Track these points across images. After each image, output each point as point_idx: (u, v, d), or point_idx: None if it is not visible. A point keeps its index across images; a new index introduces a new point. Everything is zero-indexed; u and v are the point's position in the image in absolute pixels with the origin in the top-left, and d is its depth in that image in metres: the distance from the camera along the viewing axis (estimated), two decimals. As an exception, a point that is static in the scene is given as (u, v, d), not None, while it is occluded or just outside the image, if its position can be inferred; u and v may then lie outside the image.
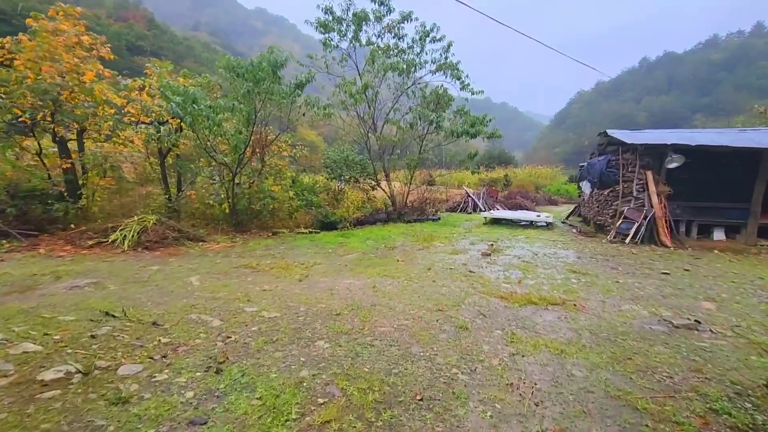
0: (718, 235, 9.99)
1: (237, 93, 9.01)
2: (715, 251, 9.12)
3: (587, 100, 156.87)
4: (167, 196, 9.91)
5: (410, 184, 14.11)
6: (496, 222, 13.57)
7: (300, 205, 11.82)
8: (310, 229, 10.94)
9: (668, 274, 6.91)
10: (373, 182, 13.81)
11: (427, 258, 7.88)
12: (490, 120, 13.26)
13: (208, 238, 9.00)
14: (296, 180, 13.11)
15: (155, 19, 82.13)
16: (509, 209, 19.16)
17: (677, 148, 9.23)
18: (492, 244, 9.33)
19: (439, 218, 14.62)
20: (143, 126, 8.82)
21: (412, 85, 13.90)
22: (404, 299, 5.14)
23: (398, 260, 7.63)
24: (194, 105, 7.41)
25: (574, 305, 5.14)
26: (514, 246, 9.30)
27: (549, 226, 12.76)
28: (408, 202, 14.58)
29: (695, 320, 4.74)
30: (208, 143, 9.20)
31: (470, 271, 6.80)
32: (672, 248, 9.21)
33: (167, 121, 9.42)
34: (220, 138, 9.23)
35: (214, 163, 9.84)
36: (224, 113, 8.23)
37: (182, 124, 8.82)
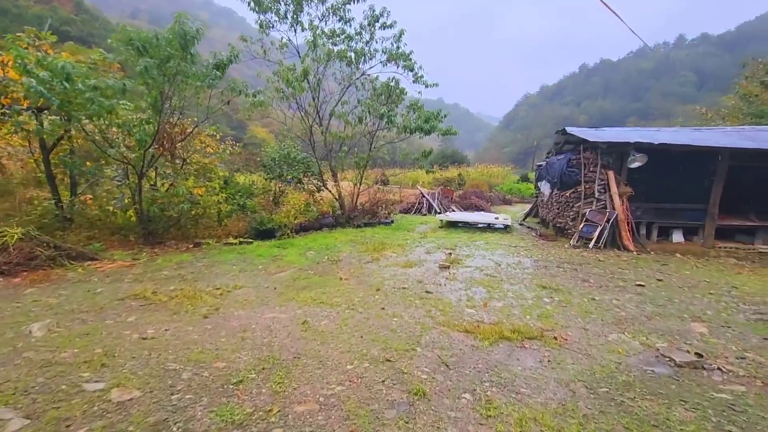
0: (677, 237, 9.67)
1: (144, 74, 7.25)
2: (677, 255, 8.72)
3: (532, 103, 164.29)
4: (56, 201, 7.90)
5: (360, 184, 12.84)
6: (453, 225, 12.67)
7: (231, 210, 10.16)
8: (242, 239, 9.34)
9: (643, 286, 6.19)
10: (319, 183, 12.40)
11: (377, 274, 6.65)
12: (445, 116, 12.32)
13: (103, 255, 7.17)
14: (229, 181, 11.39)
15: (84, 2, 74.37)
16: (465, 210, 18.49)
17: (639, 147, 8.71)
18: (450, 253, 8.30)
19: (393, 221, 13.51)
20: (11, 111, 6.79)
21: (361, 76, 12.65)
22: (342, 342, 3.86)
23: (341, 278, 6.33)
24: (66, 83, 5.62)
25: (555, 338, 4.13)
26: (474, 254, 8.33)
27: (507, 228, 12.04)
28: (358, 204, 13.31)
29: (696, 353, 3.89)
30: (105, 135, 7.36)
31: (427, 292, 5.65)
32: (635, 252, 8.69)
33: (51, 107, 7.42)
34: (117, 129, 7.39)
35: (115, 160, 7.96)
36: (118, 96, 6.47)
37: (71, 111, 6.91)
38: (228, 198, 10.30)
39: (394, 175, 24.04)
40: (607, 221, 9.00)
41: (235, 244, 8.80)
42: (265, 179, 11.73)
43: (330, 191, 12.40)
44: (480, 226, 12.48)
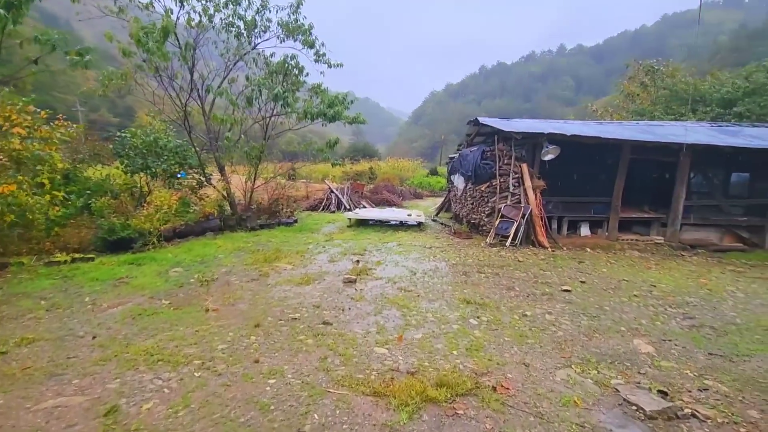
0: (584, 230, 9.65)
1: None
2: (588, 249, 8.56)
3: (438, 100, 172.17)
4: None
5: (254, 179, 10.86)
6: (363, 223, 11.42)
7: (66, 215, 7.54)
8: (83, 254, 6.89)
9: (569, 291, 5.54)
10: (201, 177, 10.14)
11: (261, 297, 5.03)
12: (351, 102, 10.94)
13: None
14: (72, 175, 8.59)
15: None
16: (376, 205, 17.44)
17: (552, 139, 8.32)
18: (358, 261, 6.98)
19: (296, 221, 11.80)
20: None
21: (253, 50, 10.62)
22: (165, 453, 2.25)
23: (208, 310, 4.58)
24: None
25: (494, 389, 3.02)
26: (386, 260, 7.13)
27: (421, 226, 11.16)
28: (254, 202, 11.33)
29: (659, 391, 3.10)
30: None
31: (325, 323, 4.23)
32: (550, 249, 8.31)
33: None
34: None
35: None
36: None
37: None
38: (64, 199, 7.64)
39: (305, 167, 22.12)
40: (523, 217, 8.51)
41: (64, 262, 6.36)
42: (124, 172, 9.12)
43: (215, 187, 10.22)
44: (392, 223, 11.43)
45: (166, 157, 9.00)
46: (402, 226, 11.24)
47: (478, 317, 4.51)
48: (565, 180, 10.16)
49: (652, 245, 9.06)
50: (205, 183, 10.20)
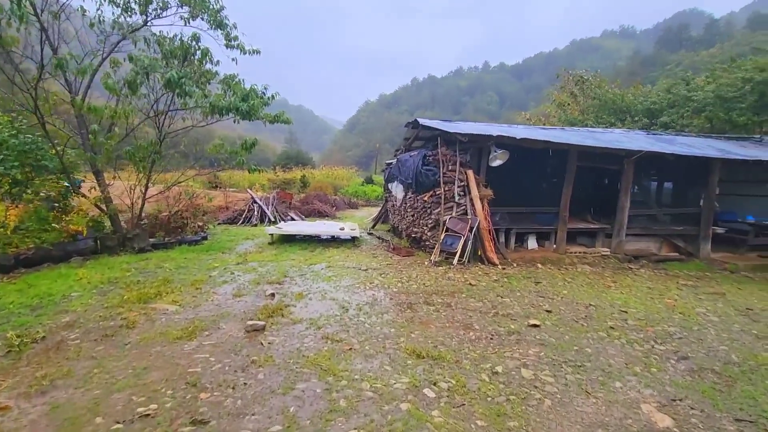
0: (532, 243, 8.92)
1: None
2: (538, 264, 7.76)
3: (372, 109, 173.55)
4: None
5: (146, 187, 8.66)
6: (289, 239, 9.72)
7: None
8: None
9: (538, 326, 4.46)
10: (65, 184, 7.73)
11: (103, 373, 3.22)
12: (273, 97, 9.23)
13: None
14: None
15: None
16: (306, 217, 15.74)
17: (501, 143, 7.42)
18: (273, 294, 5.35)
19: (206, 237, 9.74)
20: None
21: (142, 27, 8.51)
22: None
23: (4, 408, 2.69)
24: None
25: None
26: (311, 290, 5.58)
27: (355, 241, 9.74)
28: (149, 215, 9.10)
29: None
30: None
31: (197, 421, 2.59)
32: (501, 267, 7.35)
33: None
34: None
35: None
36: None
37: None
38: None
39: (234, 175, 19.65)
40: (470, 230, 7.47)
41: None
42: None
43: (87, 197, 7.88)
44: (324, 238, 9.88)
45: (2, 158, 6.57)
46: (334, 241, 9.73)
47: (434, 383, 3.17)
48: (510, 189, 9.42)
49: (599, 257, 8.55)
50: (73, 192, 7.81)
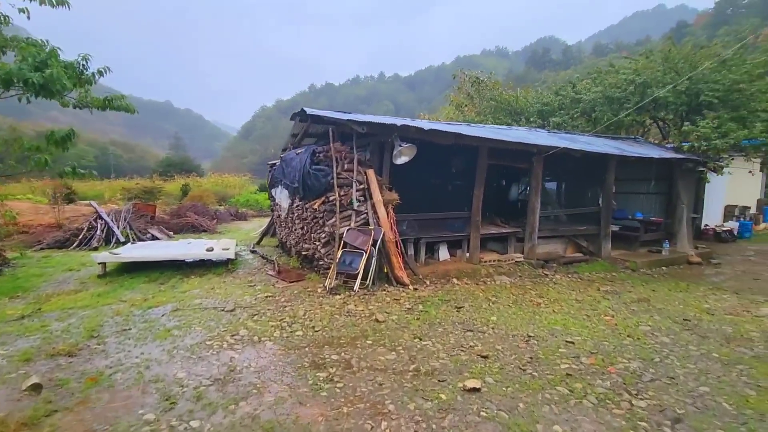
0: (443, 253, 7.78)
1: None
2: (454, 280, 6.57)
3: (269, 115, 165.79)
4: None
5: None
6: (135, 268, 7.08)
7: None
8: None
9: (478, 390, 3.03)
10: None
11: None
12: (102, 73, 6.53)
13: None
14: None
15: None
16: (177, 233, 12.76)
17: (406, 135, 6.05)
18: (39, 386, 3.04)
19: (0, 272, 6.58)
20: None
21: None
22: None
23: None
24: None
25: None
26: (123, 366, 3.41)
27: (230, 264, 7.50)
28: None
29: None
30: None
31: None
32: (411, 287, 5.95)
33: None
34: None
35: None
36: None
37: None
38: None
39: (87, 184, 15.24)
40: (374, 244, 5.93)
41: None
42: None
43: None
44: (189, 261, 7.46)
45: None
46: (203, 265, 7.38)
47: None
48: (416, 192, 8.19)
49: (514, 265, 7.77)
50: None
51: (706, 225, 12.01)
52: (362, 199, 6.37)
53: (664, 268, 8.56)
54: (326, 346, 3.77)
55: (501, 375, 3.24)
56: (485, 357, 3.57)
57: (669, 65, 10.00)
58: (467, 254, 7.69)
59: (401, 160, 6.14)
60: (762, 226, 13.83)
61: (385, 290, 5.79)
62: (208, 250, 7.39)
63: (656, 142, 11.13)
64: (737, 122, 8.71)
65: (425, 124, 6.36)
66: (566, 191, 11.18)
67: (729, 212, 13.05)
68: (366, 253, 5.82)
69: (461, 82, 16.20)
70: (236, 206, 21.15)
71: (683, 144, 9.57)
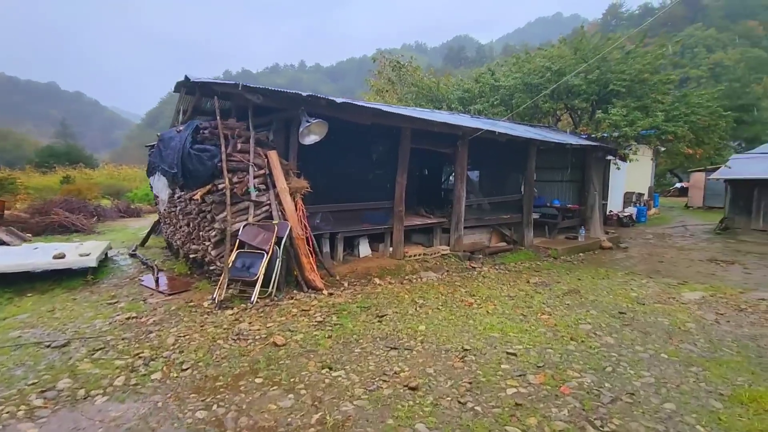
0: (364, 249, 6.89)
1: None
2: (376, 280, 5.74)
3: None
4: None
5: None
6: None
7: None
8: None
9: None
10: None
11: None
12: None
13: None
14: None
15: None
16: (36, 234, 10.22)
17: (315, 109, 4.99)
18: None
19: None
20: None
21: None
22: None
23: None
24: None
25: None
26: None
27: (91, 275, 5.78)
28: None
29: None
30: None
31: None
32: (326, 292, 4.97)
33: None
34: None
35: None
36: None
37: None
38: None
39: None
40: (278, 243, 4.81)
41: None
42: None
43: None
44: (38, 271, 5.57)
45: None
46: (54, 277, 5.57)
47: None
48: (333, 180, 7.19)
49: (440, 258, 7.17)
50: None
51: (611, 211, 12.77)
52: (263, 187, 5.18)
53: (581, 254, 8.68)
54: (194, 395, 2.63)
55: (436, 417, 2.41)
56: (414, 389, 2.72)
57: (580, 55, 10.22)
58: (390, 249, 6.90)
59: (310, 139, 5.07)
60: (653, 210, 15.27)
61: (293, 298, 4.72)
62: (56, 257, 5.60)
63: (569, 131, 11.44)
64: (642, 111, 9.09)
65: (340, 100, 5.33)
66: (488, 179, 11.00)
67: (628, 199, 14.11)
68: (268, 253, 4.67)
69: (381, 66, 15.42)
70: (130, 201, 18.14)
71: (596, 133, 9.83)
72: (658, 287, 5.60)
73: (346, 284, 5.46)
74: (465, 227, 7.87)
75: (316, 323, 3.94)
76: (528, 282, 5.86)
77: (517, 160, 9.03)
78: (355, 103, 5.23)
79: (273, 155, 5.18)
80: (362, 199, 7.37)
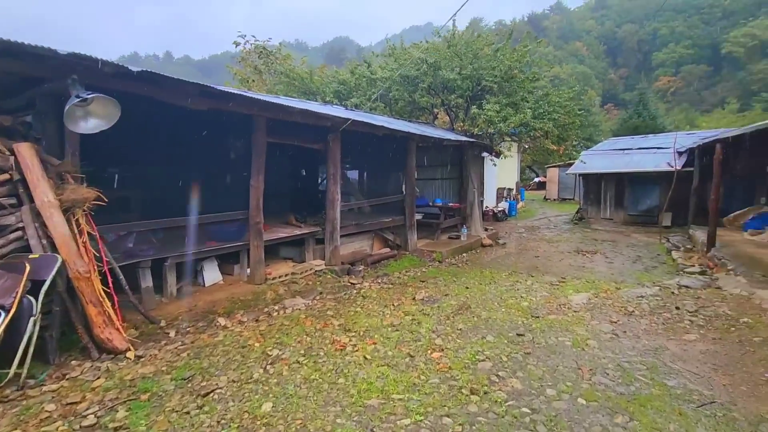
0: (212, 274, 5.24)
1: None
2: (220, 320, 4.22)
3: None
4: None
5: None
6: None
7: None
8: None
9: None
10: None
11: None
12: None
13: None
14: None
15: None
16: None
17: (97, 83, 3.26)
18: None
19: None
20: None
21: None
22: None
23: None
24: None
25: None
26: None
27: None
28: None
29: None
30: None
31: None
32: (132, 352, 3.31)
33: None
34: None
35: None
36: None
37: None
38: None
39: None
40: (35, 291, 2.97)
41: None
42: None
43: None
44: None
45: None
46: None
47: None
48: (157, 186, 5.35)
49: (313, 276, 5.94)
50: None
51: (487, 207, 13.13)
52: (11, 202, 3.23)
53: (465, 254, 8.36)
54: None
55: None
56: None
57: (453, 51, 10.03)
58: (248, 270, 5.40)
59: (90, 125, 3.29)
60: (521, 204, 16.44)
61: (65, 377, 2.95)
62: None
63: (445, 128, 11.29)
64: (513, 108, 9.20)
65: (135, 68, 3.64)
66: (369, 179, 10.16)
67: (500, 194, 14.83)
68: (9, 312, 2.81)
69: (245, 53, 13.41)
70: None
71: (472, 129, 9.70)
72: (544, 290, 5.27)
73: (173, 333, 3.83)
74: (343, 235, 6.78)
75: (80, 429, 2.32)
76: (414, 299, 4.99)
77: (398, 158, 8.29)
78: (168, 76, 3.62)
79: (26, 150, 3.27)
80: (212, 210, 5.66)
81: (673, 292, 4.85)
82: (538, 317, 4.14)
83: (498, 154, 9.79)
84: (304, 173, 10.44)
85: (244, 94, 4.78)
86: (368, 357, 3.27)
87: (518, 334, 3.67)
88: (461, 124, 10.23)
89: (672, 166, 9.70)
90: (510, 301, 4.75)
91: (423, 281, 6.06)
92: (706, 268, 6.28)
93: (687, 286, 5.11)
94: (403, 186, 8.23)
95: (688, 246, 8.07)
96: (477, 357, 3.23)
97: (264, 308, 4.63)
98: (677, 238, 8.81)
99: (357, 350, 3.41)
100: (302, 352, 3.40)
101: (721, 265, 6.03)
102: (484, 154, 10.13)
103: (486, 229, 10.06)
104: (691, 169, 9.55)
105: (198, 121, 5.73)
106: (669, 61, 62.85)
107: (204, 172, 6.49)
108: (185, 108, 4.10)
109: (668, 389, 2.66)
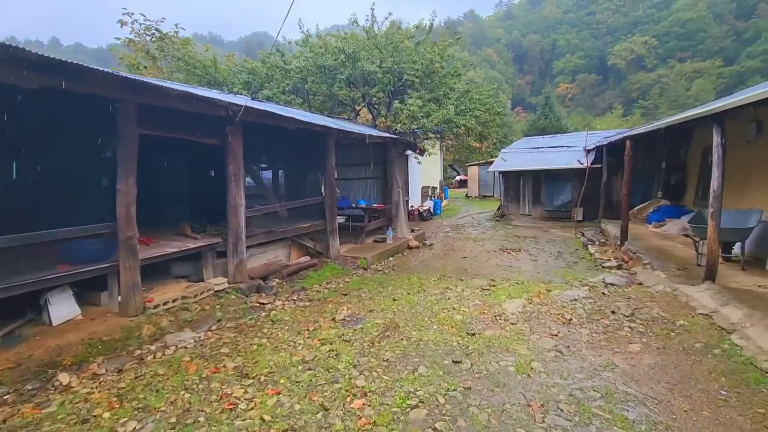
0: (65, 308, 3.95)
1: None
2: (63, 377, 3.11)
3: None
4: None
5: None
6: None
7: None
8: None
9: None
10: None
11: None
12: None
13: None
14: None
15: None
16: None
17: None
18: None
19: None
20: None
21: None
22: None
23: None
24: None
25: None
26: None
27: None
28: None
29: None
30: None
31: None
32: None
33: None
34: None
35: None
36: None
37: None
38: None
39: None
40: None
41: None
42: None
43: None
44: None
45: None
46: None
47: None
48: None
49: (212, 299, 4.90)
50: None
51: (412, 206, 12.81)
52: None
53: (391, 259, 7.81)
54: None
55: None
56: None
57: (372, 42, 9.43)
58: (119, 299, 4.19)
59: None
60: (445, 202, 16.51)
61: None
62: None
63: (368, 125, 10.69)
64: (435, 103, 8.87)
65: None
66: (286, 181, 9.14)
67: (425, 193, 14.66)
68: None
69: (135, 34, 11.38)
70: None
71: (395, 125, 9.19)
72: (476, 297, 4.86)
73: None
74: (252, 245, 5.81)
75: None
76: (334, 319, 4.24)
77: (316, 156, 7.45)
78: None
79: None
80: (71, 222, 4.29)
81: (603, 293, 4.73)
82: (474, 334, 3.63)
83: (422, 152, 9.43)
84: (213, 174, 9.09)
85: (97, 69, 3.60)
86: (267, 418, 2.44)
87: (455, 361, 3.10)
88: (383, 119, 9.68)
89: (582, 164, 10.16)
90: (442, 315, 4.22)
91: (345, 294, 5.33)
92: (621, 262, 6.43)
93: (613, 284, 5.05)
94: (323, 187, 7.42)
95: (602, 240, 8.40)
96: (408, 401, 2.57)
97: (135, 350, 3.54)
98: (591, 233, 9.20)
99: (252, 408, 2.56)
100: (173, 420, 2.45)
101: (636, 258, 6.19)
102: (408, 152, 9.71)
103: (412, 230, 9.65)
104: (599, 166, 10.09)
105: (42, 106, 4.36)
106: (567, 70, 69.95)
107: (52, 173, 5.06)
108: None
109: (631, 425, 2.25)
